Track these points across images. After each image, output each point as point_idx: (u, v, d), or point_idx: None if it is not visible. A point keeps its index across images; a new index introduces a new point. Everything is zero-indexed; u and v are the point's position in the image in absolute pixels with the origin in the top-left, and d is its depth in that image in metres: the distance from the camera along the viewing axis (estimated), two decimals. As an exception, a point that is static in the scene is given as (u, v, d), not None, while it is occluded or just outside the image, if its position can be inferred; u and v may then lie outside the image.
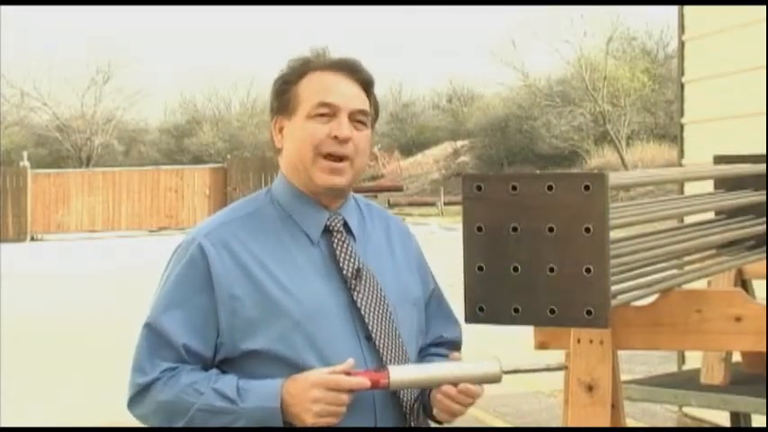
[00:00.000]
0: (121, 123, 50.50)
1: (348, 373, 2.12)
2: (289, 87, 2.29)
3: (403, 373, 2.13)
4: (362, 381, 2.10)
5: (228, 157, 33.04)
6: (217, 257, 2.20)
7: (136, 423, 2.32)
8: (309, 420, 2.11)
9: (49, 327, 12.17)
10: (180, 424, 2.18)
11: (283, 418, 2.13)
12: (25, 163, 29.95)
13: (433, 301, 2.45)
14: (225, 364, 2.22)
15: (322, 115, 2.24)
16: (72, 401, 8.31)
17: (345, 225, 2.31)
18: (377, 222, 2.40)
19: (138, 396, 2.21)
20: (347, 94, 2.27)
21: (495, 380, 2.17)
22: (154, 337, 2.21)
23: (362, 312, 2.23)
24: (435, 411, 2.26)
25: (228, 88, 64.86)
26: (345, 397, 2.11)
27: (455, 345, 2.47)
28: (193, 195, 30.59)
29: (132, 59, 68.46)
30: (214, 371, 2.20)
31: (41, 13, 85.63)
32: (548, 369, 2.22)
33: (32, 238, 28.86)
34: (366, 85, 2.32)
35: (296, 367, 2.17)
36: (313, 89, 2.26)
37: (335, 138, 2.22)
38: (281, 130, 2.30)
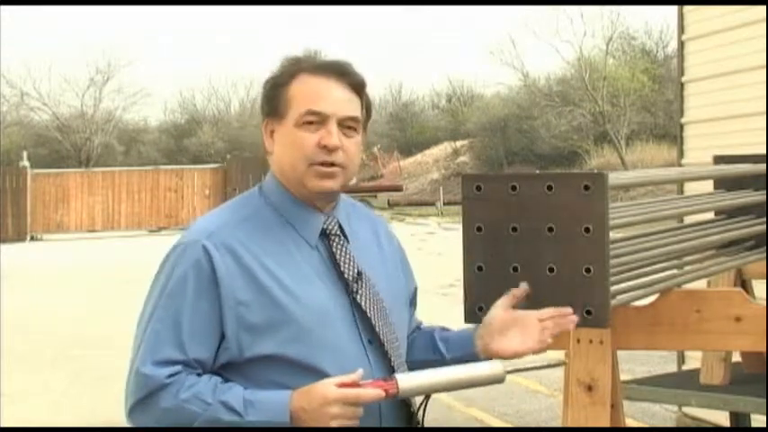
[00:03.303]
0: (121, 123, 50.57)
1: (359, 384, 2.10)
2: (279, 91, 2.25)
3: (411, 381, 2.12)
4: (379, 392, 2.09)
5: (228, 157, 33.04)
6: (221, 261, 2.15)
7: (136, 423, 2.30)
8: None
9: (50, 326, 12.17)
10: None
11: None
12: (25, 163, 29.95)
13: (415, 298, 2.46)
14: (227, 370, 2.17)
15: (311, 123, 2.21)
16: (72, 401, 8.31)
17: (340, 228, 2.29)
18: (363, 221, 2.39)
19: (140, 403, 2.15)
20: (337, 100, 2.22)
21: (499, 380, 2.17)
22: (157, 341, 2.15)
23: (368, 315, 2.22)
24: (505, 346, 2.18)
25: (228, 88, 65.11)
26: (361, 410, 2.10)
27: None
28: (193, 195, 30.59)
29: (132, 59, 68.95)
30: (218, 379, 2.15)
31: (41, 13, 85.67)
32: (548, 366, 2.21)
33: (32, 238, 28.85)
34: (357, 88, 2.27)
35: (311, 370, 2.14)
36: (303, 95, 2.22)
37: (324, 147, 2.20)
38: (271, 133, 2.27)
